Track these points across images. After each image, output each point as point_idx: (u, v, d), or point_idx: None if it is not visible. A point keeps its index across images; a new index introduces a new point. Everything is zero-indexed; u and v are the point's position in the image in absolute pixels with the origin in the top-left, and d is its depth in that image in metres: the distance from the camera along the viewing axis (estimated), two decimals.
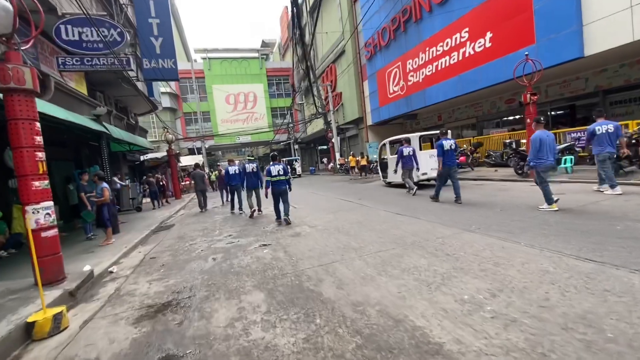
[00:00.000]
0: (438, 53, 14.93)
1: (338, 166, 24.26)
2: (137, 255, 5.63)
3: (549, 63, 9.94)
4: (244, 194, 9.03)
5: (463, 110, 18.16)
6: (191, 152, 34.99)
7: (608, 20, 8.74)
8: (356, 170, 19.66)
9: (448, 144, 7.15)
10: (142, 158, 18.59)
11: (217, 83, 37.20)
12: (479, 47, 12.64)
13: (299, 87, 29.85)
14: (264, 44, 48.10)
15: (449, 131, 13.18)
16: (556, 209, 5.32)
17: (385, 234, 4.96)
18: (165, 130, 17.19)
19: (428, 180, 10.62)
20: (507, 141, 11.81)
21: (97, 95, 12.05)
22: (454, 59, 14.06)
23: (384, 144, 12.01)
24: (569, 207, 5.39)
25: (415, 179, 9.82)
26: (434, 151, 9.28)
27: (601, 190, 6.48)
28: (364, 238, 4.89)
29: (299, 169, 29.45)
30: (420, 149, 10.38)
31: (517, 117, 15.43)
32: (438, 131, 9.39)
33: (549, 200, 5.44)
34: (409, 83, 17.49)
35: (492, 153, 13.64)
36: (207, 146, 36.52)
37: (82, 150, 11.22)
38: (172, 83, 33.76)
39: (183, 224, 8.57)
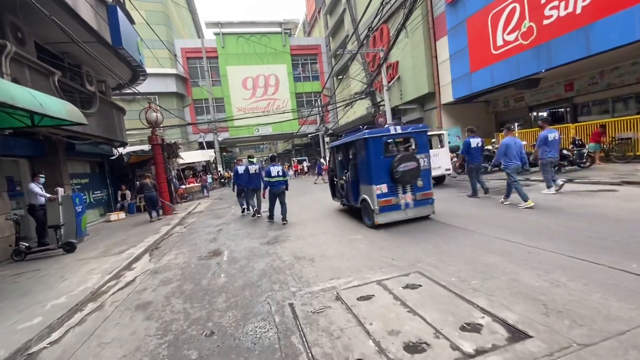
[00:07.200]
0: None
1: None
2: None
3: None
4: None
5: (622, 72, 10.87)
6: (201, 146, 28.92)
7: None
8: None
9: (475, 141, 7.47)
10: (117, 152, 12.35)
11: (232, 64, 30.92)
12: None
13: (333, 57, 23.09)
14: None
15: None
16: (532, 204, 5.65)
17: None
18: (148, 105, 10.83)
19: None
20: None
21: None
22: None
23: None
24: None
25: None
26: (432, 151, 9.27)
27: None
28: None
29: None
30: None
31: None
32: (442, 132, 11.14)
33: (524, 197, 5.83)
34: (546, 22, 10.36)
35: None
36: (220, 139, 30.43)
37: None
38: (179, 64, 27.74)
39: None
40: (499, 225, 4.87)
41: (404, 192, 5.61)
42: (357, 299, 2.87)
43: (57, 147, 8.42)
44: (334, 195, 8.38)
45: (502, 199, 6.52)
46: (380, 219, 5.51)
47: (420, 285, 3.00)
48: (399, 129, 5.76)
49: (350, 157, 6.75)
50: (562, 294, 2.55)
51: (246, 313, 2.90)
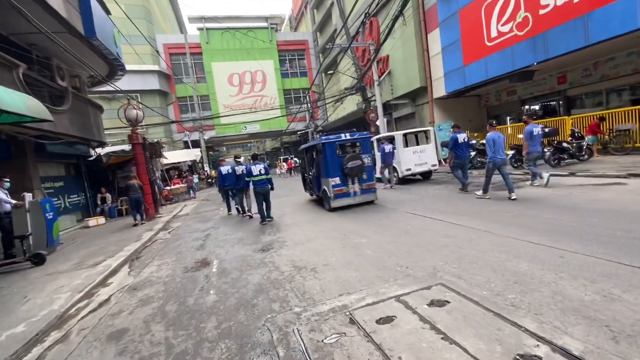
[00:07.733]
0: None
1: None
2: None
3: None
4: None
5: (618, 62, 10.75)
6: (186, 146, 27.93)
7: None
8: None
9: (462, 137, 7.73)
10: (94, 153, 11.51)
11: (217, 60, 29.98)
12: None
13: (320, 53, 22.59)
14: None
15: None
16: (488, 197, 6.49)
17: None
18: (127, 102, 10.08)
19: (413, 175, 10.77)
20: None
21: None
22: None
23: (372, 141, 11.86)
24: None
25: (400, 175, 10.38)
26: (419, 147, 10.75)
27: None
28: None
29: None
30: (407, 146, 10.75)
31: None
32: (428, 128, 11.49)
33: (485, 190, 6.64)
34: (542, 12, 10.11)
35: None
36: (206, 138, 29.51)
37: None
38: (162, 60, 26.60)
39: None
40: (515, 224, 4.49)
41: (353, 183, 7.30)
42: (376, 322, 2.40)
43: (25, 148, 7.64)
44: (305, 188, 10.05)
45: (508, 195, 6.26)
46: (335, 203, 7.28)
47: (448, 302, 2.55)
48: (348, 136, 7.48)
49: (314, 157, 8.29)
50: (624, 311, 2.14)
51: (242, 344, 2.39)
